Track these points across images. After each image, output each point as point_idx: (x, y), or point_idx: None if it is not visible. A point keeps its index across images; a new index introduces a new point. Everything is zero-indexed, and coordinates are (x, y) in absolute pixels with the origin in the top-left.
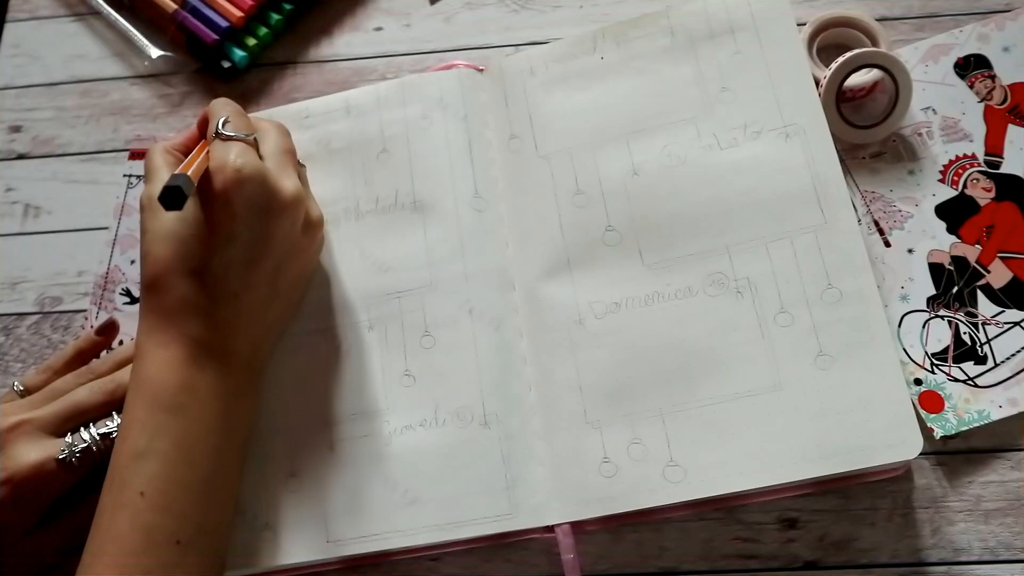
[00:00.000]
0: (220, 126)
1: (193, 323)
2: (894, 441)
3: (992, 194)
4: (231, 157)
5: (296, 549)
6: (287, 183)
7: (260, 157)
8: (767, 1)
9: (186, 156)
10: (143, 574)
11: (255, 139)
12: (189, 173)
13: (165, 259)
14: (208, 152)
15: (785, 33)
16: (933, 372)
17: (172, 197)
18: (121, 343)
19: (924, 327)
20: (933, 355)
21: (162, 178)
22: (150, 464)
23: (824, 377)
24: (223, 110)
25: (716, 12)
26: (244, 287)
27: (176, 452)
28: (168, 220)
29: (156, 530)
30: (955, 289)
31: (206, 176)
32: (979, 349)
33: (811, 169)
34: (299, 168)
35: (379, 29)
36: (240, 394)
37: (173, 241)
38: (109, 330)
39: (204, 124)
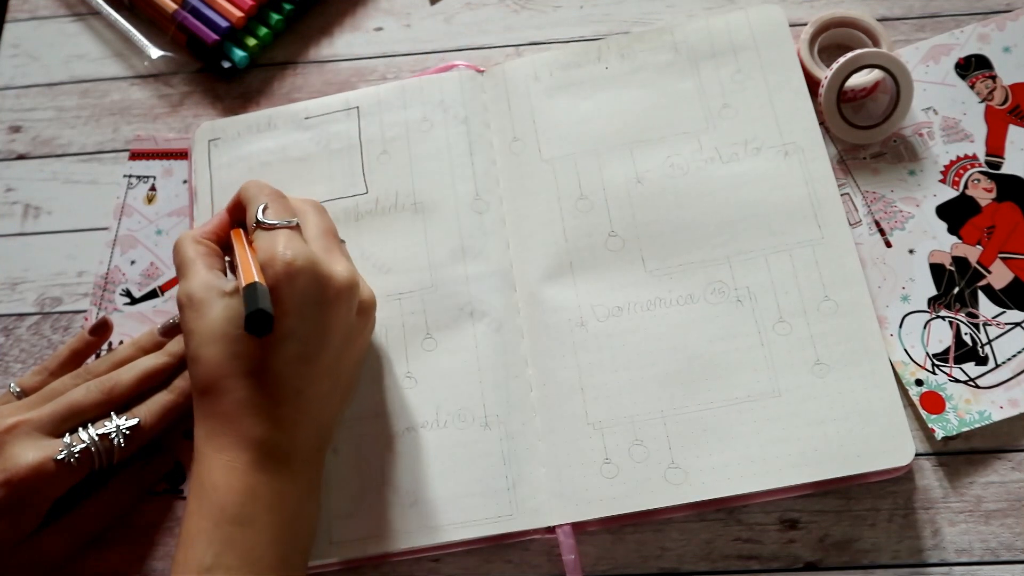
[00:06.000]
0: (260, 214)
1: (254, 424)
2: (887, 448)
3: (993, 195)
4: (279, 249)
5: None
6: (338, 268)
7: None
8: (767, 24)
9: (217, 243)
10: None
11: (297, 223)
12: (255, 277)
13: (217, 362)
14: (253, 245)
15: (784, 55)
16: (934, 373)
17: (261, 322)
18: (122, 343)
19: (925, 328)
20: (934, 356)
21: (198, 272)
22: None
23: (821, 385)
24: (259, 194)
25: (718, 32)
26: (306, 383)
27: (244, 566)
28: (215, 320)
29: None
30: (956, 290)
31: None
32: (980, 350)
33: (808, 187)
34: (341, 245)
35: (379, 29)
36: (305, 497)
37: (224, 342)
38: (102, 329)
39: (235, 209)
